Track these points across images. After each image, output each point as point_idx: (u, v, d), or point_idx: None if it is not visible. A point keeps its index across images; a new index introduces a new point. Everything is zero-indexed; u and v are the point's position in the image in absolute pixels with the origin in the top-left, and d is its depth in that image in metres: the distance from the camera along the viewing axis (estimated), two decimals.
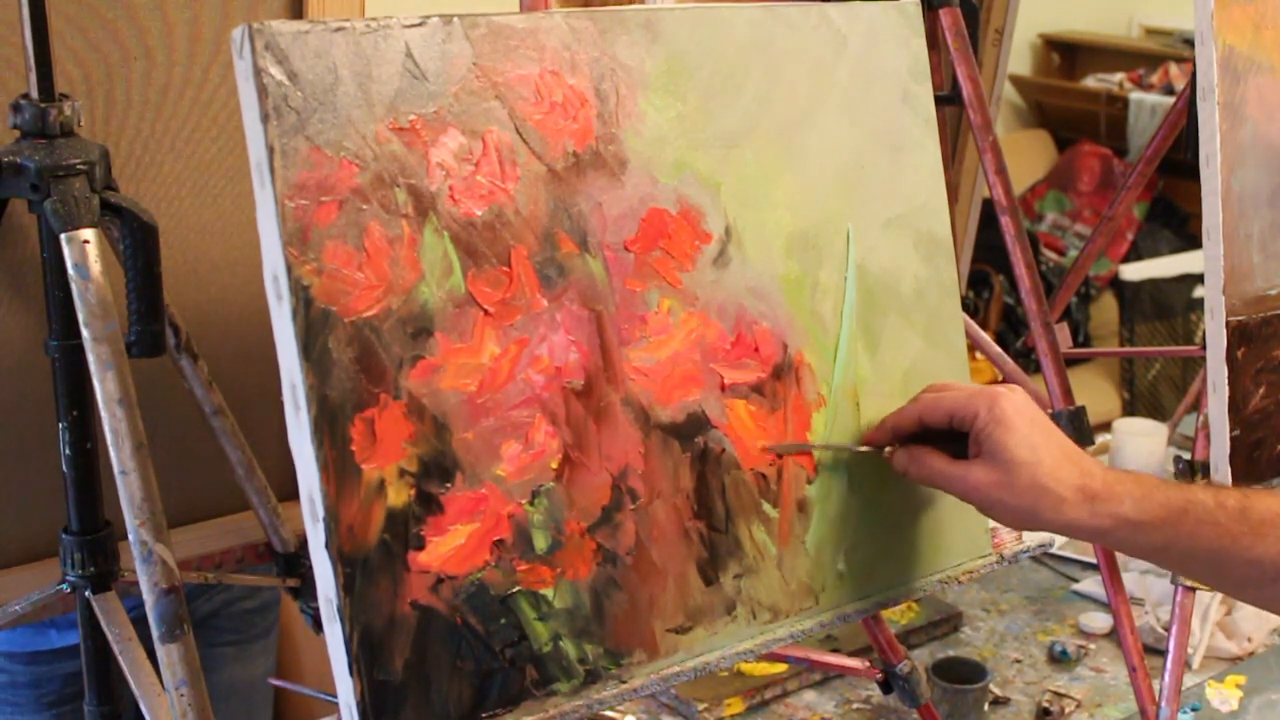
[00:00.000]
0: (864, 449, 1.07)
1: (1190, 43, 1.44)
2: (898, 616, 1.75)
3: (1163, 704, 1.38)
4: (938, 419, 1.03)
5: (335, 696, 0.89)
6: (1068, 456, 1.00)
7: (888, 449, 1.06)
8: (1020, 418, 0.99)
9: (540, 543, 0.95)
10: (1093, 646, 1.73)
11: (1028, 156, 4.54)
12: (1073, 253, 4.23)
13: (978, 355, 1.64)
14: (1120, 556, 1.56)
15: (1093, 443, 1.47)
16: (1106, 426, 2.23)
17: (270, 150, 0.85)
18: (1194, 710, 1.60)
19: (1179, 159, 1.47)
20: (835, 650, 1.58)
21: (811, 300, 1.09)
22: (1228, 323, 1.27)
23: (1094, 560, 1.50)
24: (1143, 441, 2.16)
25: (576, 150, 0.98)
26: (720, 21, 1.05)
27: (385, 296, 0.89)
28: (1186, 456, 1.37)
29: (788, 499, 1.07)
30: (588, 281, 0.98)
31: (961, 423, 1.02)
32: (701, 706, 1.56)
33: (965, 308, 1.23)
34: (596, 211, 0.99)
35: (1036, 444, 0.99)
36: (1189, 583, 1.36)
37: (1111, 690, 1.64)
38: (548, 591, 0.96)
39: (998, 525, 1.21)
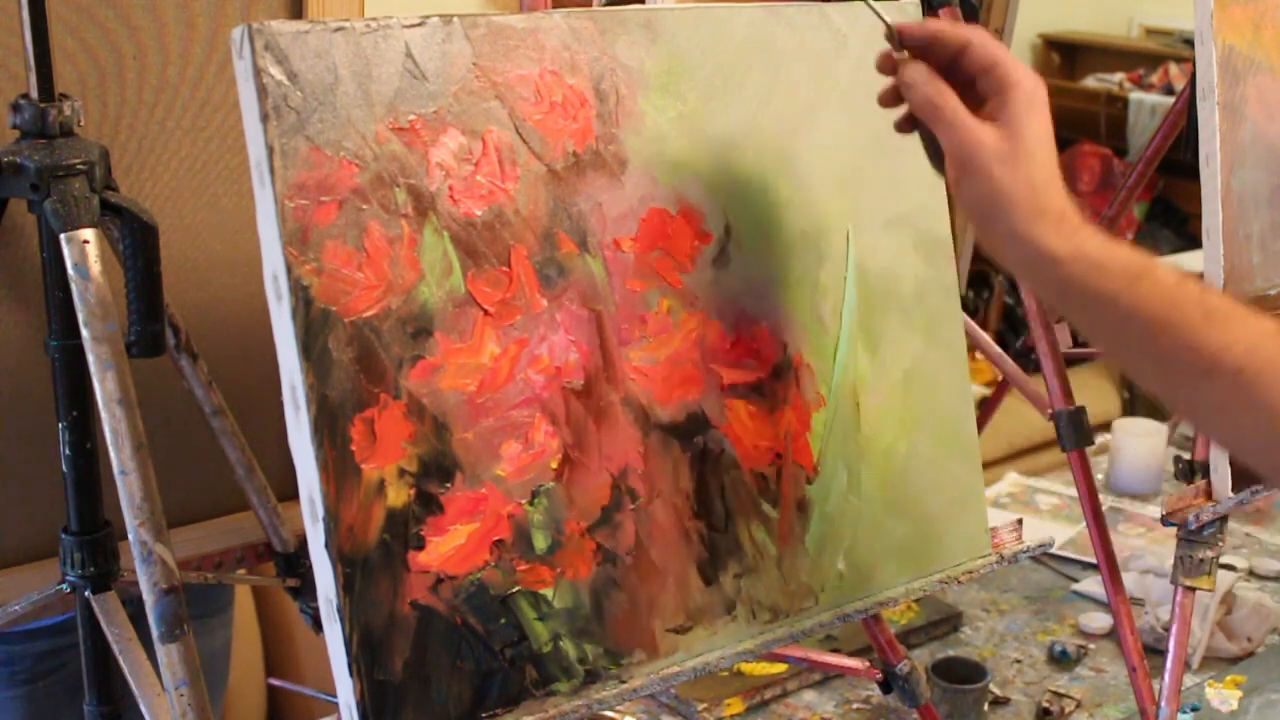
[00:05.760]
0: (893, 30, 0.96)
1: (1190, 43, 1.44)
2: (898, 616, 1.75)
3: (1162, 704, 1.38)
4: (981, 56, 0.95)
5: (335, 696, 0.89)
6: (1058, 176, 0.94)
7: (904, 52, 0.95)
8: (1047, 115, 0.95)
9: (540, 543, 0.95)
10: (1093, 646, 1.73)
11: None
12: None
13: (978, 355, 1.64)
14: (1119, 556, 1.57)
15: (1092, 443, 1.47)
16: (1106, 426, 2.22)
17: (270, 150, 0.85)
18: (1194, 710, 1.59)
19: (1179, 159, 1.47)
20: (835, 650, 1.58)
21: (811, 300, 1.09)
22: None
23: (1094, 560, 1.49)
24: (1143, 441, 2.17)
25: (576, 150, 0.98)
26: (720, 21, 1.05)
27: (385, 296, 0.89)
28: (1186, 456, 1.37)
29: (787, 499, 1.07)
30: (588, 281, 0.98)
31: (1001, 77, 0.94)
32: (701, 706, 1.55)
33: (965, 308, 1.23)
34: (596, 211, 0.99)
35: (1048, 148, 0.94)
36: (1176, 580, 1.36)
37: (1111, 690, 1.64)
38: (547, 591, 0.96)
39: (997, 525, 1.21)
